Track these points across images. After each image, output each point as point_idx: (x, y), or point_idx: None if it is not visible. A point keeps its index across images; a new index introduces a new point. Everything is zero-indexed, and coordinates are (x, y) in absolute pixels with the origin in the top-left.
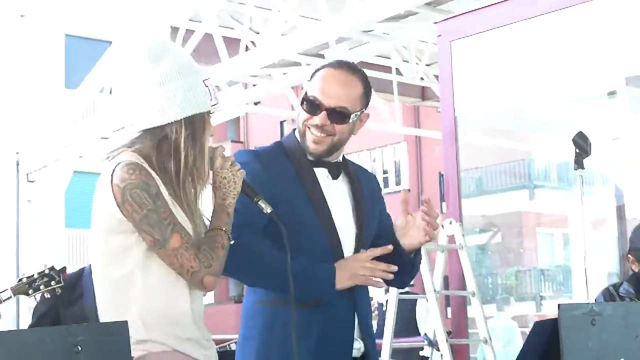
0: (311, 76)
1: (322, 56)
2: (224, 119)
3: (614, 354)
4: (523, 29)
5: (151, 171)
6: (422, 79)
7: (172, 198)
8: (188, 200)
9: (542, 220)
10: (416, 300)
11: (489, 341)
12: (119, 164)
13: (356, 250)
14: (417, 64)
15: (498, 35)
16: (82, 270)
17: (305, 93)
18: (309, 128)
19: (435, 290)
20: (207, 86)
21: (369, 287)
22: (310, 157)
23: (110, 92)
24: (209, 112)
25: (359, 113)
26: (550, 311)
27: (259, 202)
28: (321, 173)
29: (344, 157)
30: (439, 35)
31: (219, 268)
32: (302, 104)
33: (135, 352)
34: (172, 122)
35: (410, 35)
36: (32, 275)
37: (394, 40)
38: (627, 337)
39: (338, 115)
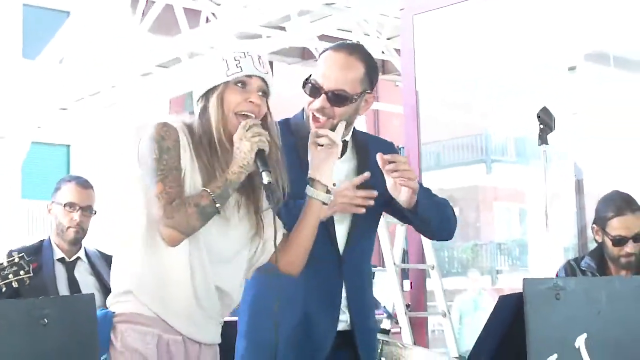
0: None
1: (283, 29)
2: (183, 91)
3: (577, 328)
4: (485, 4)
5: (182, 134)
6: (382, 52)
7: (203, 165)
8: (209, 166)
9: (499, 195)
10: (374, 273)
11: (447, 314)
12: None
13: (351, 229)
14: (378, 37)
15: (460, 9)
16: (41, 243)
17: (309, 76)
18: (312, 111)
19: (394, 264)
20: (224, 60)
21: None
22: None
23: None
24: (226, 83)
25: (360, 94)
26: (506, 285)
27: (262, 172)
28: None
29: (355, 130)
30: (402, 9)
31: (183, 224)
32: (304, 87)
33: (118, 307)
34: (196, 101)
35: (372, 8)
36: (2, 264)
37: (356, 14)
38: (589, 312)
39: (337, 98)
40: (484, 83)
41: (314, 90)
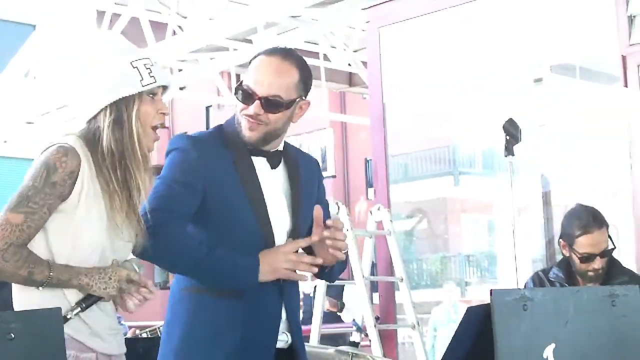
0: (249, 63)
1: (250, 41)
2: None
3: (545, 339)
4: (451, 16)
5: (83, 158)
6: (349, 65)
7: (104, 185)
8: (114, 186)
9: (467, 207)
10: (344, 286)
11: (416, 326)
12: (54, 144)
13: (291, 239)
14: (344, 50)
15: (426, 22)
16: None
17: (241, 82)
18: (244, 117)
19: (363, 276)
20: (135, 67)
21: None
22: (249, 147)
23: (35, 77)
24: (140, 93)
25: (296, 101)
26: (475, 296)
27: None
28: (259, 162)
29: (285, 143)
30: (368, 22)
31: (7, 272)
32: (236, 93)
33: None
34: (99, 110)
35: (339, 21)
36: None
37: (322, 26)
38: (557, 322)
39: (271, 104)
40: (451, 95)
41: (247, 96)
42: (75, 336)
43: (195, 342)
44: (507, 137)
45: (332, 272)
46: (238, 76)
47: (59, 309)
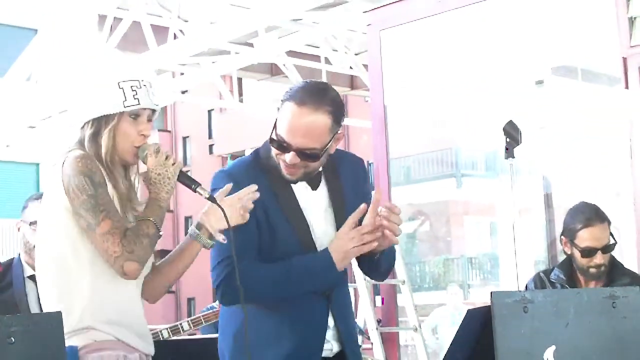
0: (282, 99)
1: (251, 45)
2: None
3: (545, 341)
4: (452, 19)
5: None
6: (351, 68)
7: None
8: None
9: (470, 209)
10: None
11: (418, 329)
12: (68, 155)
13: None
14: (346, 53)
15: (427, 24)
16: (11, 260)
17: (274, 129)
18: (282, 162)
19: (365, 279)
20: (121, 88)
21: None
22: None
23: (37, 81)
24: (122, 113)
25: (330, 141)
26: (477, 299)
27: (197, 190)
28: (300, 185)
29: None
30: (369, 25)
31: (142, 255)
32: (271, 141)
33: (79, 340)
34: (83, 124)
35: (340, 24)
36: None
37: (323, 29)
38: (557, 324)
39: (308, 155)
40: (452, 97)
41: (282, 146)
42: (121, 338)
43: (243, 353)
44: (508, 140)
45: (380, 265)
46: (239, 80)
47: (59, 312)
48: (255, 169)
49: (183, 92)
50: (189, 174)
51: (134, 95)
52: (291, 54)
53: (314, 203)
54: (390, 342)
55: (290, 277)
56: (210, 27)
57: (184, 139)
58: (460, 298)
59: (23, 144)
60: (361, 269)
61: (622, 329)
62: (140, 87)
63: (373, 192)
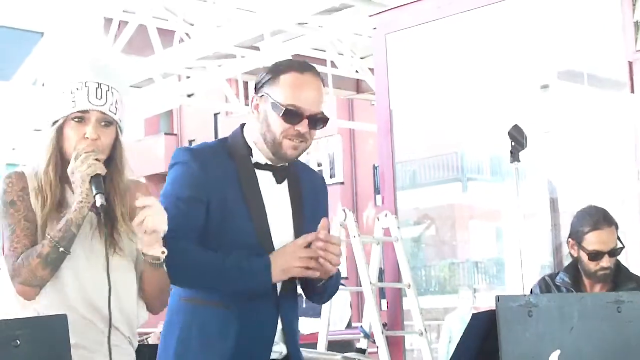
0: (268, 79)
1: (257, 48)
2: (157, 111)
3: (550, 345)
4: (458, 22)
5: (34, 180)
6: (356, 71)
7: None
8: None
9: (475, 213)
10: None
11: (424, 333)
12: None
13: None
14: (351, 57)
15: (433, 28)
16: None
17: (276, 102)
18: (289, 137)
19: (371, 283)
20: (70, 91)
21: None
22: (257, 160)
23: (43, 84)
24: (66, 117)
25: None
26: (483, 303)
27: (95, 195)
28: (265, 176)
29: None
30: (374, 28)
31: (28, 278)
32: (282, 115)
33: None
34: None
35: (345, 28)
36: None
37: (329, 33)
38: (562, 328)
39: (318, 121)
40: (458, 101)
41: (295, 116)
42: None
43: (189, 352)
44: (513, 144)
45: (324, 291)
46: (245, 83)
47: (65, 315)
48: (221, 153)
49: (189, 96)
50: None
51: (72, 99)
52: (297, 57)
53: (276, 196)
54: (395, 346)
55: (223, 269)
56: (216, 30)
57: (190, 142)
58: (471, 302)
59: (29, 147)
60: (303, 291)
61: (627, 333)
62: (81, 89)
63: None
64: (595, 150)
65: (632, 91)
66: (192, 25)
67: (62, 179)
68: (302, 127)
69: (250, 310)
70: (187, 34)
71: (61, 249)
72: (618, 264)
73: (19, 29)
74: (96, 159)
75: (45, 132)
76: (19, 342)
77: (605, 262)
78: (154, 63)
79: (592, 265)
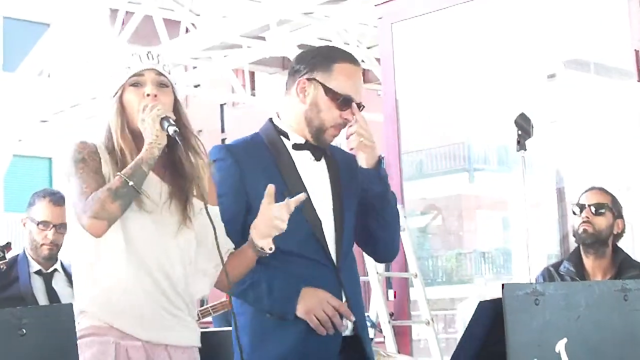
0: (319, 65)
1: (263, 38)
2: None
3: (556, 333)
4: (464, 12)
5: (102, 150)
6: (363, 61)
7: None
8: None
9: (482, 203)
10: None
11: (431, 323)
12: None
13: (336, 230)
14: (357, 46)
15: (439, 17)
16: (16, 257)
17: (331, 91)
18: (336, 127)
19: (377, 272)
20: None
21: None
22: (295, 141)
23: (49, 75)
24: (123, 87)
25: None
26: (490, 293)
27: (168, 128)
28: (303, 156)
29: None
30: (380, 18)
31: (97, 210)
32: (339, 103)
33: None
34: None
35: (352, 17)
36: None
37: (335, 23)
38: (569, 317)
39: (360, 107)
40: (465, 91)
41: (347, 102)
42: (116, 325)
43: (264, 330)
44: (519, 132)
45: (385, 203)
46: (252, 73)
47: (71, 304)
48: (255, 145)
49: (195, 87)
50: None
51: (127, 66)
52: (303, 47)
53: (315, 173)
54: (402, 335)
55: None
56: (222, 20)
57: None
58: (485, 292)
59: (35, 138)
60: (360, 243)
61: (634, 321)
62: (133, 57)
63: None
64: (602, 139)
65: (639, 80)
66: (198, 15)
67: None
68: (349, 115)
69: (314, 285)
70: (193, 24)
71: (131, 184)
72: (620, 252)
73: (25, 20)
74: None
75: (106, 106)
76: (25, 331)
77: (587, 212)
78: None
79: (577, 223)
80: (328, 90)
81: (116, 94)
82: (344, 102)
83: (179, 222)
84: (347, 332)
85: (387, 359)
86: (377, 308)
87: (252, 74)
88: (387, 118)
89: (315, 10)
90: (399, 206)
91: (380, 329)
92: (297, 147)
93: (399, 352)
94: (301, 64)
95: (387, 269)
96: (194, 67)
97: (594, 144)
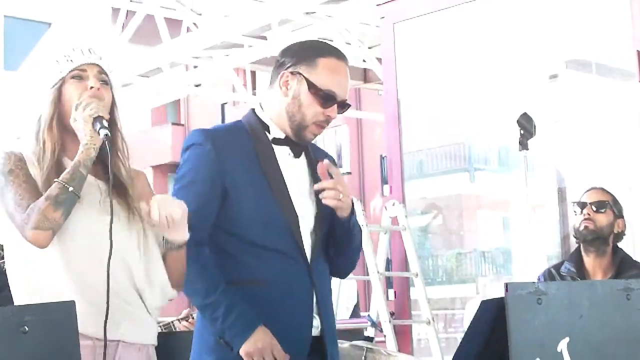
0: (303, 59)
1: (264, 38)
2: (165, 101)
3: (559, 333)
4: (466, 12)
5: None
6: (364, 61)
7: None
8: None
9: (483, 203)
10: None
11: (431, 322)
12: None
13: (314, 229)
14: (359, 46)
15: (441, 17)
16: None
17: (314, 85)
18: (318, 123)
19: (378, 272)
20: (56, 60)
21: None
22: (275, 136)
23: None
24: (63, 79)
25: None
26: (490, 293)
27: (99, 130)
28: (283, 151)
29: None
30: (382, 17)
31: (39, 221)
32: (320, 98)
33: None
34: None
35: (353, 17)
36: None
37: (337, 23)
38: (571, 316)
39: (345, 106)
40: (466, 91)
41: (329, 99)
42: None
43: None
44: (522, 132)
45: (350, 233)
46: (253, 73)
47: (73, 302)
48: (237, 131)
49: (197, 86)
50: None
51: (67, 60)
52: None
53: (294, 170)
54: (403, 334)
55: (216, 302)
56: (224, 20)
57: None
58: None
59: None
60: (333, 254)
61: (636, 321)
62: (74, 51)
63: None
64: (604, 140)
65: None
66: (200, 15)
67: (63, 146)
68: (333, 112)
69: (286, 283)
70: (194, 24)
71: (71, 189)
72: (620, 252)
73: (26, 20)
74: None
75: (42, 97)
76: (27, 329)
77: (588, 210)
78: (162, 53)
79: (577, 221)
80: (311, 85)
81: (55, 85)
82: (326, 98)
83: (123, 214)
84: (314, 332)
85: (387, 358)
86: (378, 307)
87: (253, 74)
88: (389, 118)
89: (317, 10)
90: (400, 205)
91: (381, 329)
92: (276, 141)
93: (399, 352)
94: (286, 57)
95: (388, 269)
96: (195, 67)
97: (596, 144)
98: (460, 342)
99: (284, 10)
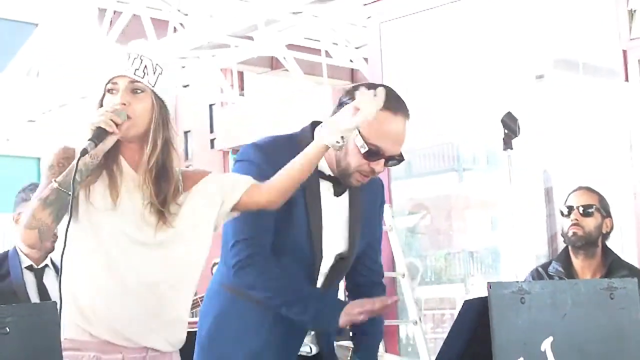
0: (347, 98)
1: (251, 38)
2: None
3: (542, 332)
4: (452, 11)
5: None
6: (351, 61)
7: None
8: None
9: (471, 203)
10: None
11: (418, 322)
12: None
13: (332, 266)
14: (346, 46)
15: (428, 17)
16: (6, 253)
17: (362, 137)
18: (362, 172)
19: None
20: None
21: None
22: (322, 170)
23: (37, 75)
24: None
25: None
26: (478, 293)
27: (87, 141)
28: (325, 186)
29: None
30: (369, 17)
31: (29, 219)
32: (363, 152)
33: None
34: None
35: (340, 17)
36: None
37: (324, 23)
38: (555, 315)
39: (395, 161)
40: (453, 91)
41: (374, 154)
42: (95, 334)
43: (220, 337)
44: (506, 131)
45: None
46: (240, 73)
47: (55, 302)
48: (289, 149)
49: (184, 87)
50: (189, 167)
51: (109, 69)
52: (291, 47)
53: (334, 207)
54: (390, 335)
55: (303, 296)
56: (210, 20)
57: (185, 133)
58: (480, 291)
59: (23, 138)
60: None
61: (620, 320)
62: (116, 58)
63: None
64: (590, 139)
65: (627, 79)
66: (186, 15)
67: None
68: (378, 166)
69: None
70: (181, 24)
71: (61, 189)
72: (610, 253)
73: (12, 20)
74: (112, 121)
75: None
76: (8, 330)
77: (575, 214)
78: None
79: (566, 225)
80: (357, 137)
81: (101, 99)
82: (371, 152)
83: (157, 221)
84: (305, 352)
85: None
86: None
87: (240, 74)
88: None
89: (304, 10)
90: (386, 206)
91: None
92: (322, 175)
93: (386, 352)
94: (347, 98)
95: None
96: (183, 67)
97: (582, 143)
98: (444, 342)
99: (271, 10)
